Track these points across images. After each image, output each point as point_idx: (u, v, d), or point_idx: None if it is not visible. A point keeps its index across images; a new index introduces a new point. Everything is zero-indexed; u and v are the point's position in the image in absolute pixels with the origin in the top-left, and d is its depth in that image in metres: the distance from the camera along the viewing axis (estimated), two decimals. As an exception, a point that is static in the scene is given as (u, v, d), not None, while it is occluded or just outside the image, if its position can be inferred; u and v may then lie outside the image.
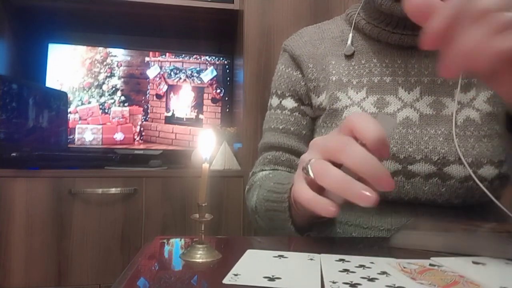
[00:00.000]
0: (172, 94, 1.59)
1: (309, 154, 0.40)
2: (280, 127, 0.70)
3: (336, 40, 0.69)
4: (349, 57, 0.66)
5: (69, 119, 1.49)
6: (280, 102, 0.71)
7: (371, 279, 0.27)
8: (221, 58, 1.62)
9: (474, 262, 0.33)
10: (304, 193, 0.38)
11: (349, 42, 0.66)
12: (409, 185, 0.57)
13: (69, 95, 1.49)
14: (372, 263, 0.32)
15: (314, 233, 0.49)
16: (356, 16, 0.68)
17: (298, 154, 0.68)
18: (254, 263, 0.32)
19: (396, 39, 0.62)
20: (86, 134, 1.51)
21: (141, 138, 1.56)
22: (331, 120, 0.64)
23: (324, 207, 0.36)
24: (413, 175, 0.57)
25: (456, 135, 0.56)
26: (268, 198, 0.55)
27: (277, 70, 0.75)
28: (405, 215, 0.58)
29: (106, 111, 1.53)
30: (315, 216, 0.43)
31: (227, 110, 1.63)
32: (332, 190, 0.35)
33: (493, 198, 0.52)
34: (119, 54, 1.55)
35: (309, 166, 0.38)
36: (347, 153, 0.35)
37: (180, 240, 0.40)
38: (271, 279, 0.27)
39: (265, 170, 0.70)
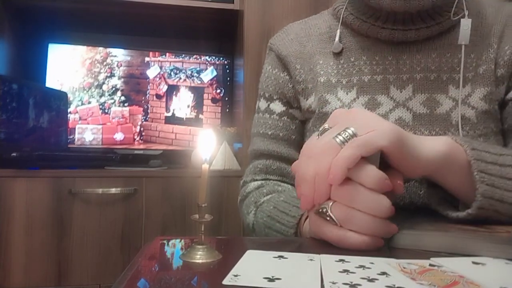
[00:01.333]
0: (172, 94, 1.59)
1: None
2: (269, 132, 0.68)
3: (324, 37, 0.66)
4: (337, 54, 0.64)
5: (69, 119, 1.49)
6: (268, 105, 0.69)
7: (371, 280, 0.27)
8: (221, 58, 1.62)
9: (474, 262, 0.33)
10: (345, 243, 0.37)
11: (337, 39, 0.64)
12: (404, 190, 0.56)
13: (69, 95, 1.49)
14: (372, 263, 0.32)
15: None
16: (344, 11, 0.64)
17: (289, 161, 0.67)
18: (254, 264, 0.32)
19: (386, 35, 0.59)
20: (86, 134, 1.51)
21: (141, 138, 1.56)
22: (321, 123, 0.61)
23: (372, 245, 0.37)
24: (407, 179, 0.55)
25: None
26: (270, 226, 0.55)
27: (264, 71, 0.72)
28: (401, 220, 0.57)
29: (106, 111, 1.53)
30: None
31: (227, 110, 1.63)
32: (363, 233, 0.37)
33: None
34: (119, 54, 1.55)
35: (330, 214, 0.38)
36: (358, 202, 0.37)
37: (180, 240, 0.40)
38: (271, 279, 0.27)
39: (257, 180, 0.69)
